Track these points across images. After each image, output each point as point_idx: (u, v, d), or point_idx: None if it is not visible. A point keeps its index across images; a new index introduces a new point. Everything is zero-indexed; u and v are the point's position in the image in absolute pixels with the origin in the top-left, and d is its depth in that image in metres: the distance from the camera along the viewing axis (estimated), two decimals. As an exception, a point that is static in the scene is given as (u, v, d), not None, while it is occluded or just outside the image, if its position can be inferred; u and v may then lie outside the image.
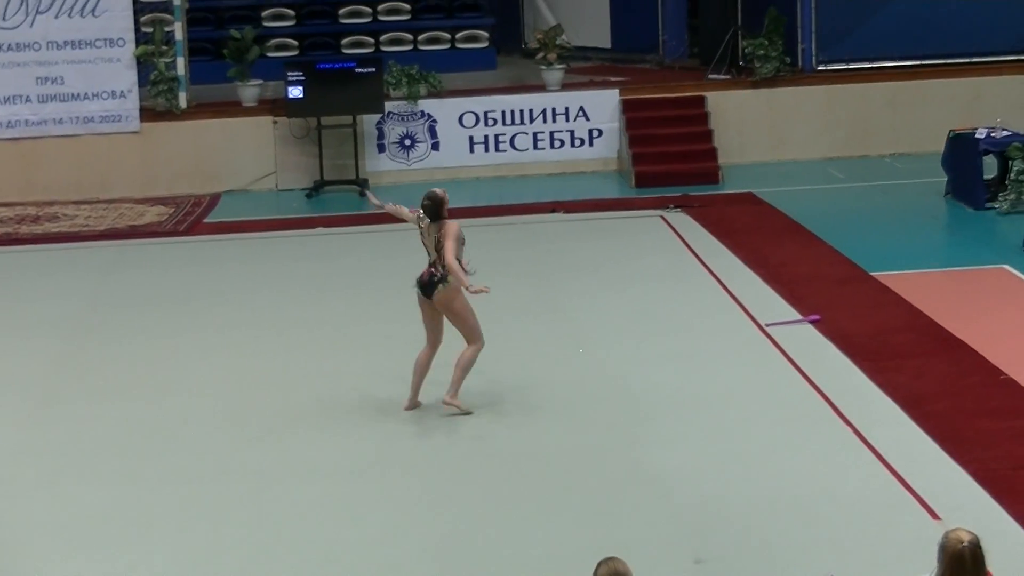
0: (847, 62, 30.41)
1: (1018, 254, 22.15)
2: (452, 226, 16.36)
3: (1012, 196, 24.39)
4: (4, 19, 29.03)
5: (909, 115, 29.30)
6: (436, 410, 16.88)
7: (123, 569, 13.48)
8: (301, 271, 23.52)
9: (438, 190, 16.50)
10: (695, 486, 14.58)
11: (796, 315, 19.68)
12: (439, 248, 16.31)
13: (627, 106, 29.54)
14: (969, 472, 14.48)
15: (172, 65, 29.89)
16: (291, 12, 33.85)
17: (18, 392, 18.30)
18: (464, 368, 16.72)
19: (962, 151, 25.86)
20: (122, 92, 29.40)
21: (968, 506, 13.60)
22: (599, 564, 9.31)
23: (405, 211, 17.30)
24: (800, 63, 30.50)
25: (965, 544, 9.02)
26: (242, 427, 16.79)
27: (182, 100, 29.94)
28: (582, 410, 16.85)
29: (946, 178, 26.25)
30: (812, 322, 19.30)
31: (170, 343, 20.06)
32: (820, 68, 30.52)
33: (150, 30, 29.91)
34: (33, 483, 15.58)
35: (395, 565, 13.25)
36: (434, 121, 29.57)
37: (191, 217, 27.52)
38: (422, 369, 16.96)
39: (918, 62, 30.11)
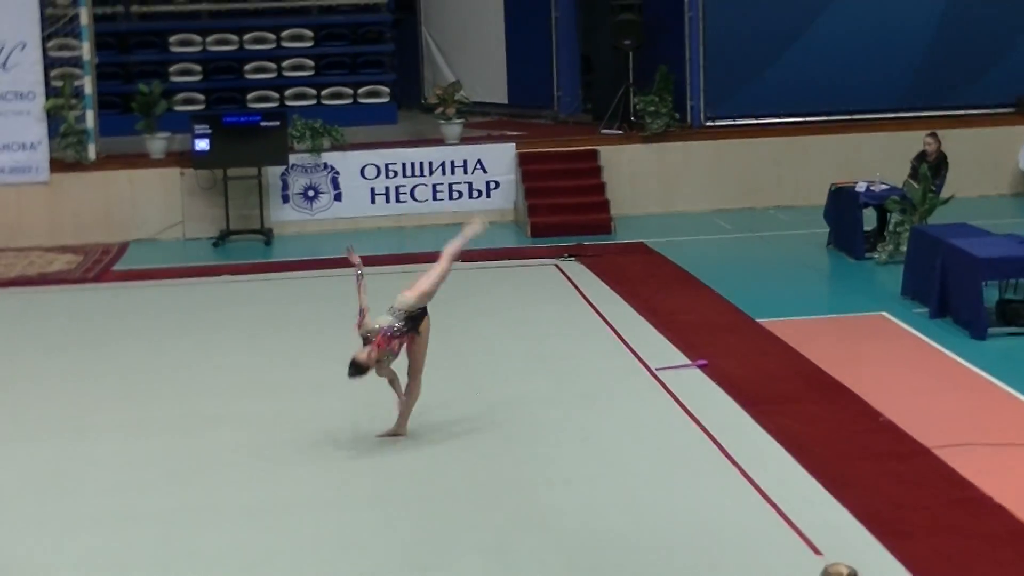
0: (734, 119, 30.62)
1: (896, 302, 22.36)
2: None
3: (890, 247, 24.62)
4: (-80, 74, 29.11)
5: (793, 170, 29.53)
6: (338, 452, 16.93)
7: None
8: (208, 318, 23.49)
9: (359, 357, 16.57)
10: (587, 524, 14.60)
11: (685, 360, 19.77)
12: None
13: (523, 159, 29.68)
14: (850, 511, 14.56)
15: (81, 118, 29.86)
16: (198, 67, 33.85)
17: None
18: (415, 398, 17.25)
19: (843, 204, 26.10)
20: (32, 144, 29.33)
21: (849, 543, 13.68)
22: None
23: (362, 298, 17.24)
24: (689, 119, 30.70)
25: (845, 575, 9.14)
26: (144, 471, 16.69)
27: (91, 152, 29.89)
28: (479, 451, 16.86)
29: (828, 230, 26.49)
30: (700, 367, 19.40)
31: (78, 388, 19.96)
32: (708, 124, 30.72)
33: (60, 84, 29.86)
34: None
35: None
36: (337, 173, 29.63)
37: (100, 265, 27.40)
38: None
39: (801, 119, 30.35)
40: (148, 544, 14.68)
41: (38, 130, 29.39)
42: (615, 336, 21.31)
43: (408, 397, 17.25)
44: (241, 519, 15.21)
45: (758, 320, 21.67)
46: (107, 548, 14.63)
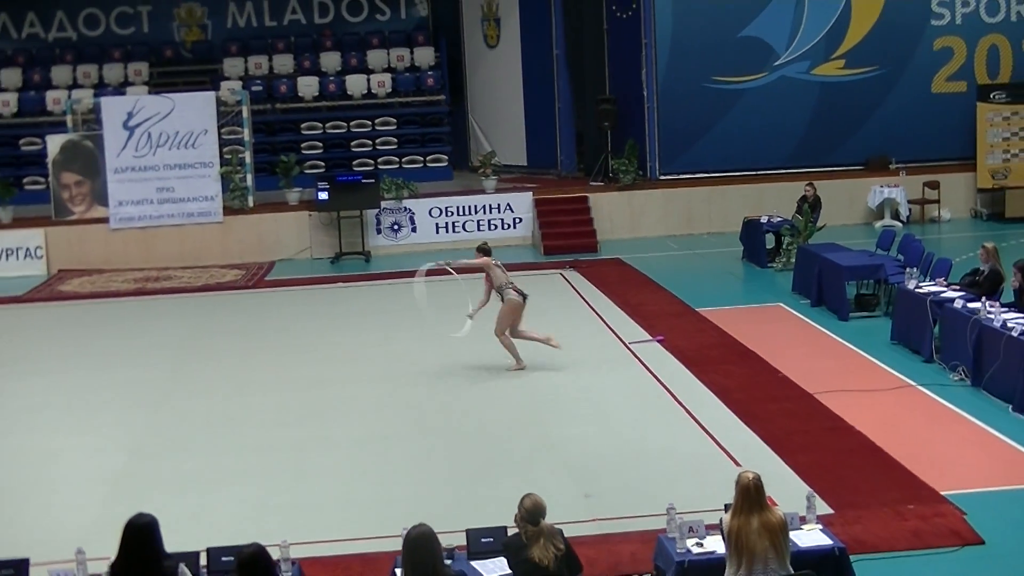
0: (679, 173, 30.64)
1: (788, 296, 22.41)
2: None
3: (784, 259, 24.68)
4: (137, 151, 29.14)
5: (718, 207, 29.51)
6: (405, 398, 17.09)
7: (225, 499, 13.73)
8: (328, 311, 23.61)
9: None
10: (582, 448, 14.83)
11: (648, 336, 19.92)
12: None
13: (538, 202, 29.69)
14: (758, 435, 14.85)
15: (243, 179, 29.96)
16: (320, 144, 33.81)
17: (143, 390, 18.46)
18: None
19: (752, 230, 26.14)
20: (211, 196, 29.41)
21: (757, 457, 13.91)
22: (523, 497, 9.58)
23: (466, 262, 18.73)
24: (648, 174, 30.75)
25: (751, 478, 9.33)
26: (284, 413, 16.97)
27: (250, 201, 30.01)
28: (506, 400, 17.09)
29: (742, 248, 26.54)
30: (659, 341, 19.53)
31: (242, 360, 20.19)
32: (661, 177, 30.73)
33: (229, 156, 29.95)
34: (156, 451, 15.81)
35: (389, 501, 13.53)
36: (413, 213, 29.64)
37: (256, 276, 27.45)
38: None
39: (723, 173, 30.37)
40: (286, 464, 14.98)
41: (215, 187, 29.45)
42: (600, 320, 21.43)
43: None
44: (349, 446, 15.46)
45: (697, 309, 21.73)
46: (259, 465, 14.90)
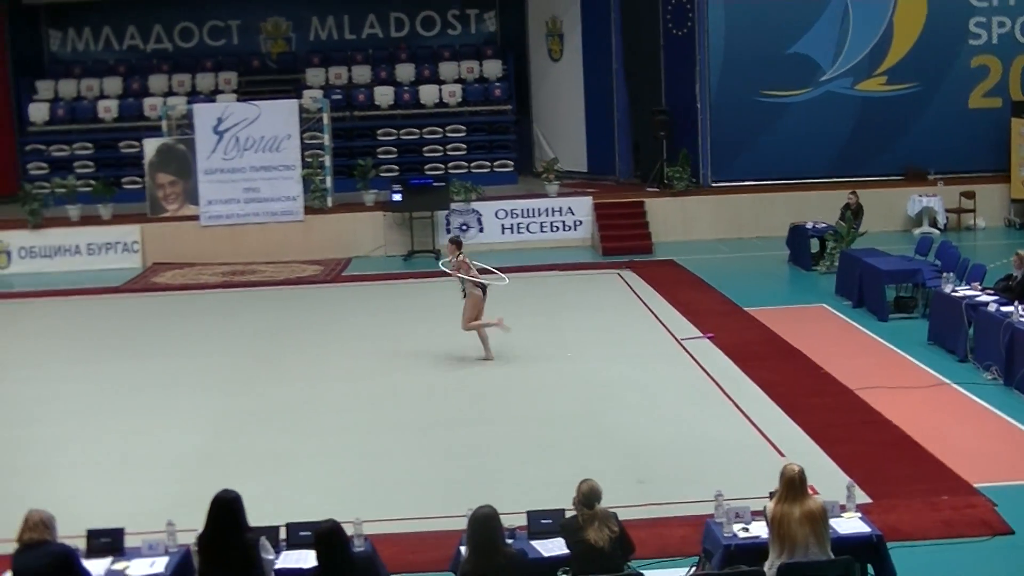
0: (729, 181, 30.50)
1: (831, 297, 22.25)
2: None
3: (827, 263, 24.52)
4: (225, 154, 29.31)
5: (765, 212, 29.30)
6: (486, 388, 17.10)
7: (302, 478, 13.77)
8: (400, 303, 23.73)
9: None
10: (636, 435, 14.81)
11: (699, 333, 19.85)
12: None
13: (597, 206, 29.58)
14: (801, 427, 14.77)
15: (323, 181, 30.11)
16: (394, 149, 33.89)
17: (227, 376, 18.60)
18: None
19: (797, 235, 26.02)
20: (293, 197, 29.54)
21: (799, 448, 13.85)
22: (581, 482, 9.57)
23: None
24: (700, 181, 30.65)
25: (796, 471, 9.30)
26: (358, 399, 17.06)
27: (329, 202, 30.14)
28: (563, 390, 17.02)
29: (788, 251, 26.42)
30: (708, 338, 19.45)
31: (319, 348, 20.25)
32: (712, 184, 30.63)
33: (310, 160, 30.06)
34: (239, 432, 15.91)
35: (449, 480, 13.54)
36: (480, 215, 29.65)
37: (334, 272, 27.59)
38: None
39: (771, 181, 30.24)
40: (360, 446, 15.04)
41: (297, 188, 29.56)
42: (654, 317, 21.33)
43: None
44: (417, 430, 15.49)
45: (745, 308, 21.62)
46: (335, 447, 14.99)
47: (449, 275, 19.24)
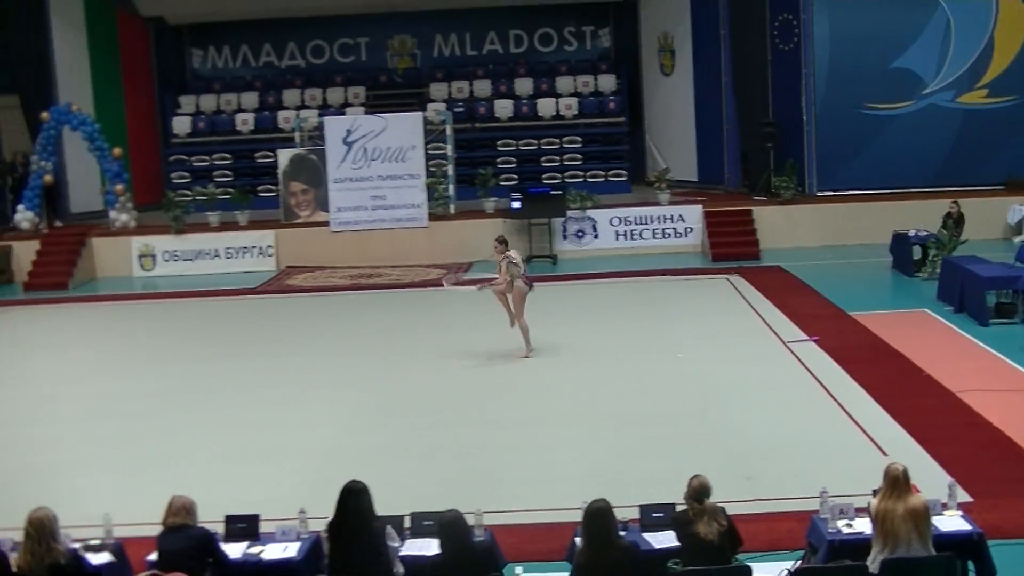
0: (834, 190, 30.23)
1: (933, 303, 21.89)
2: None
3: (929, 269, 24.16)
4: (354, 163, 29.54)
5: (868, 220, 28.93)
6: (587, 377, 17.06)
7: (425, 470, 13.82)
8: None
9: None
10: (744, 434, 14.68)
11: (804, 336, 19.65)
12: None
13: (707, 214, 29.40)
14: (903, 427, 14.55)
15: (446, 189, 30.25)
16: (513, 159, 34.04)
17: (355, 372, 18.77)
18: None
19: (901, 242, 25.64)
20: (418, 204, 29.68)
21: (902, 448, 13.65)
22: (692, 478, 9.55)
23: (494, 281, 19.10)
24: (806, 190, 30.39)
25: (900, 470, 9.22)
26: (476, 395, 17.12)
27: (451, 209, 30.26)
28: (670, 390, 16.92)
29: (891, 258, 26.05)
30: (814, 341, 19.25)
31: (441, 346, 20.29)
32: (818, 193, 30.37)
33: (434, 169, 30.24)
34: (366, 425, 15.98)
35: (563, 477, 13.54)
36: (595, 222, 29.54)
37: (456, 275, 27.64)
38: None
39: (874, 190, 29.87)
40: (478, 440, 15.04)
41: (422, 196, 29.68)
42: (761, 321, 21.14)
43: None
44: (533, 426, 15.44)
45: (849, 312, 21.34)
46: (455, 441, 14.99)
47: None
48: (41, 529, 9.11)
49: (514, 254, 18.96)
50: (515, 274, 18.78)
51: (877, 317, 20.98)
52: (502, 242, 19.06)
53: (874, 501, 9.29)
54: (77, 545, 9.68)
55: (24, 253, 29.70)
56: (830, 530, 9.81)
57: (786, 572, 9.64)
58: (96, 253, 30.03)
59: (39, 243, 29.77)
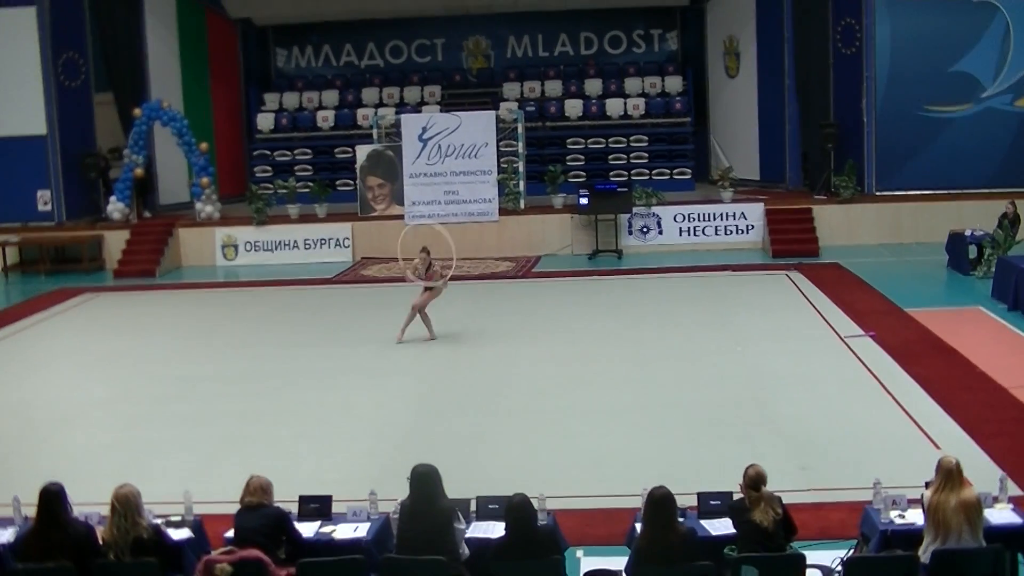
0: (892, 190, 29.95)
1: (987, 301, 21.68)
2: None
3: (984, 268, 23.86)
4: (429, 159, 29.59)
5: (925, 220, 28.65)
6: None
7: (492, 455, 13.84)
8: (585, 300, 23.63)
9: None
10: (800, 425, 14.60)
11: (860, 331, 19.51)
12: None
13: (768, 212, 29.20)
14: (956, 421, 14.42)
15: (517, 185, 30.26)
16: (582, 157, 33.95)
17: (426, 362, 18.80)
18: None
19: (956, 241, 25.35)
20: (489, 199, 29.69)
21: (954, 441, 13.54)
22: (748, 467, 9.51)
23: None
24: (865, 190, 30.12)
25: (953, 463, 9.14)
26: (544, 385, 17.08)
27: (521, 204, 30.24)
28: (731, 381, 16.84)
29: (947, 256, 25.77)
30: (870, 336, 19.11)
31: (510, 337, 20.31)
32: (877, 193, 30.08)
33: (505, 166, 30.23)
34: (437, 411, 16.04)
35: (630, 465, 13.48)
36: (660, 218, 29.41)
37: (525, 268, 27.69)
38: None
39: (931, 191, 29.57)
40: (546, 428, 15.03)
41: (493, 192, 29.67)
42: (819, 315, 21.00)
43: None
44: (597, 415, 15.40)
45: (904, 309, 21.16)
46: (522, 428, 15.00)
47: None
48: (126, 504, 9.22)
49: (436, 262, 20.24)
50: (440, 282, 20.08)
51: (932, 314, 20.76)
52: (427, 252, 20.20)
53: (927, 493, 9.22)
54: (159, 521, 9.79)
55: (115, 242, 30.06)
56: (883, 520, 9.74)
57: (839, 560, 9.59)
58: (182, 243, 30.33)
59: (129, 233, 30.10)
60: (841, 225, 29.24)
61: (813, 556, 9.63)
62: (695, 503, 10.14)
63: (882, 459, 13.02)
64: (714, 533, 9.72)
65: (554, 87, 35.93)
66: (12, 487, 10.88)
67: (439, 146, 29.75)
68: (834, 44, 30.95)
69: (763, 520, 9.24)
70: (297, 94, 36.69)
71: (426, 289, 20.11)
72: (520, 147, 30.82)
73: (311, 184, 31.87)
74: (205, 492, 11.58)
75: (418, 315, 20.14)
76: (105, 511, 9.53)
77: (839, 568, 9.52)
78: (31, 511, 9.61)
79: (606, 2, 36.36)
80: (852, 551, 10.02)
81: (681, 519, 9.46)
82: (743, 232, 29.45)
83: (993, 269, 23.04)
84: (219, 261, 30.05)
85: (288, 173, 33.81)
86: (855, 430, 14.38)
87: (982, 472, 11.79)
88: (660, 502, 8.92)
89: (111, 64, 32.42)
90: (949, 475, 9.10)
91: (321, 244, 29.91)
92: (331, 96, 36.43)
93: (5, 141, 30.59)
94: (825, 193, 30.19)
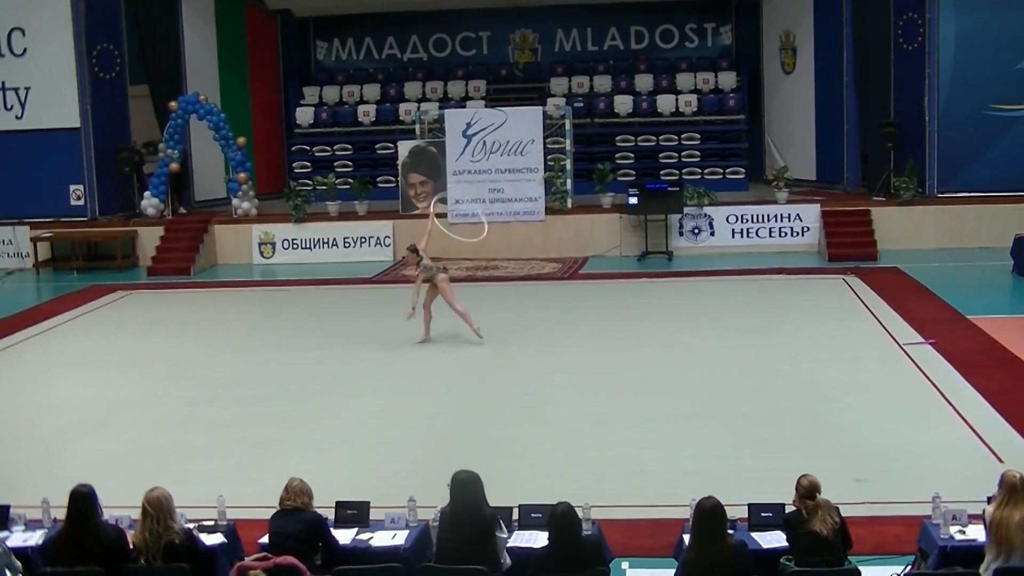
0: (954, 192, 29.74)
1: (1054, 308, 21.66)
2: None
3: (1052, 275, 23.85)
4: (473, 156, 29.64)
5: (989, 224, 28.42)
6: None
7: (535, 463, 13.84)
8: (634, 302, 23.60)
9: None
10: (855, 436, 14.53)
11: (920, 339, 19.41)
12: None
13: (824, 214, 29.05)
14: (1020, 434, 14.30)
15: (564, 183, 30.20)
16: (631, 155, 33.89)
17: (469, 365, 18.86)
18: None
19: (1022, 246, 25.22)
20: (535, 198, 29.68)
21: (1018, 455, 13.40)
22: (800, 477, 9.47)
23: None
24: (926, 191, 29.93)
25: (1017, 477, 9.06)
26: (589, 392, 17.08)
27: (569, 203, 30.18)
28: (784, 391, 16.75)
29: (1012, 262, 25.58)
30: (930, 344, 19.00)
31: (554, 341, 20.30)
32: (938, 195, 29.88)
33: (552, 163, 30.19)
34: (478, 417, 16.08)
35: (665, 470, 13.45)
36: (712, 219, 29.33)
37: (571, 269, 27.68)
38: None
39: (995, 193, 29.34)
40: (590, 436, 15.04)
41: (539, 190, 29.66)
42: (877, 323, 20.87)
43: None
44: (644, 423, 15.40)
45: (967, 316, 21.01)
46: (567, 436, 14.99)
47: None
48: (158, 508, 9.26)
49: (425, 259, 20.00)
50: (432, 272, 19.93)
51: (996, 321, 20.61)
52: (413, 251, 20.11)
53: (989, 508, 9.14)
54: (191, 525, 9.84)
55: (148, 239, 30.23)
56: (942, 536, 9.68)
57: (896, 577, 9.53)
58: (218, 240, 30.49)
59: (163, 229, 30.28)
60: (901, 228, 29.04)
61: (868, 572, 9.57)
62: (745, 515, 10.11)
63: (942, 472, 12.94)
64: (765, 546, 9.69)
65: (603, 82, 35.87)
66: (42, 489, 10.97)
67: (484, 142, 29.78)
68: (895, 39, 30.74)
69: (823, 529, 9.22)
70: (337, 88, 36.79)
71: (430, 286, 20.18)
72: (567, 144, 30.77)
73: (351, 180, 31.93)
74: (239, 497, 11.64)
75: (428, 312, 20.28)
76: (136, 514, 9.57)
77: (897, 584, 9.47)
78: (61, 513, 9.68)
79: (657, -6, 36.41)
80: (910, 567, 9.96)
81: (731, 531, 9.43)
82: (798, 234, 29.30)
83: (1061, 276, 22.91)
84: (256, 259, 30.18)
85: (327, 169, 33.92)
86: (913, 442, 14.28)
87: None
88: (710, 513, 8.89)
89: (147, 56, 32.62)
90: (1013, 490, 9.00)
91: (361, 242, 29.99)
92: (372, 90, 36.52)
93: (38, 134, 30.84)
94: (884, 194, 29.99)
